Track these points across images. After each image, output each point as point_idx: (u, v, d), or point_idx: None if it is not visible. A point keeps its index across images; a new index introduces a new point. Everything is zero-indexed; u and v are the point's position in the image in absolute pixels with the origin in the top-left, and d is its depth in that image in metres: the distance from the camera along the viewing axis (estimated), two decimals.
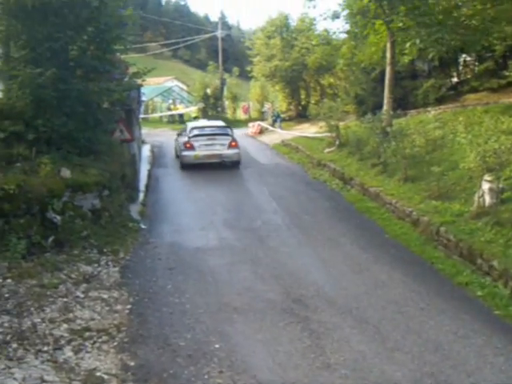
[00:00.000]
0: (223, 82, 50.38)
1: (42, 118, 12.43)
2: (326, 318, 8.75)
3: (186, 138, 23.00)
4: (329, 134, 25.21)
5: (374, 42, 22.45)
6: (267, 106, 47.47)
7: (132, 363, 7.19)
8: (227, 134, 23.36)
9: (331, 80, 41.95)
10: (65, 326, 7.97)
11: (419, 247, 12.34)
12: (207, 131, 23.56)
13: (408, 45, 19.29)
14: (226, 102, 51.20)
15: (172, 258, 11.75)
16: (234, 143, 23.00)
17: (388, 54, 20.94)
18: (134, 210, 15.21)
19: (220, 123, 26.21)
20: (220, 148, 22.59)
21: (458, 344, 7.84)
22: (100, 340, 7.71)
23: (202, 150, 22.40)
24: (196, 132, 23.13)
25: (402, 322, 8.58)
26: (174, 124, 48.74)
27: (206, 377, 6.93)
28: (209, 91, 47.44)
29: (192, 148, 22.47)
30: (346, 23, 25.17)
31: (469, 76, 28.12)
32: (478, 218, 12.04)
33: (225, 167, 22.92)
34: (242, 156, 23.70)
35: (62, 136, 12.76)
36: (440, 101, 25.93)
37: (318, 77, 42.45)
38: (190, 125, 25.20)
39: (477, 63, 27.65)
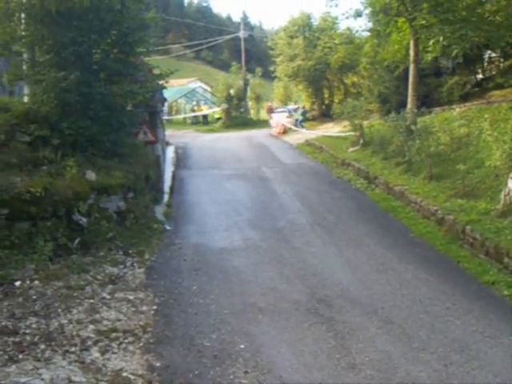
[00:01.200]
0: (246, 83, 50.45)
1: (66, 122, 12.57)
2: (351, 318, 8.73)
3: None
4: (353, 133, 25.11)
5: (396, 39, 22.29)
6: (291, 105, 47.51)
7: (158, 364, 7.24)
8: (285, 112, 41.98)
9: (354, 79, 41.73)
10: (91, 327, 8.04)
11: (444, 246, 12.24)
12: (278, 110, 43.92)
13: (431, 42, 19.10)
14: (250, 103, 51.24)
15: (197, 259, 11.81)
16: (288, 116, 40.77)
17: (411, 52, 20.79)
18: (159, 211, 15.31)
19: (284, 108, 44.91)
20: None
21: (484, 344, 7.77)
22: (126, 341, 7.77)
23: (276, 118, 41.16)
24: (273, 111, 44.53)
25: (428, 321, 8.52)
26: (197, 125, 48.93)
27: (231, 377, 6.96)
28: (232, 92, 47.49)
29: (272, 118, 42.65)
30: (369, 21, 25.09)
31: (494, 72, 27.71)
32: (504, 217, 11.91)
33: (249, 167, 23.05)
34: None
35: (86, 139, 12.90)
36: (465, 98, 25.60)
37: (341, 76, 42.28)
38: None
39: (502, 59, 27.28)
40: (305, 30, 43.25)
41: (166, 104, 37.10)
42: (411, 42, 20.70)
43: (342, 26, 47.04)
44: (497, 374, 6.97)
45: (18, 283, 9.06)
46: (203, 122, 50.23)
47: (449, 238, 12.56)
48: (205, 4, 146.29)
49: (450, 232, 12.72)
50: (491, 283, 9.99)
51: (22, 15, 13.30)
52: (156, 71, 16.64)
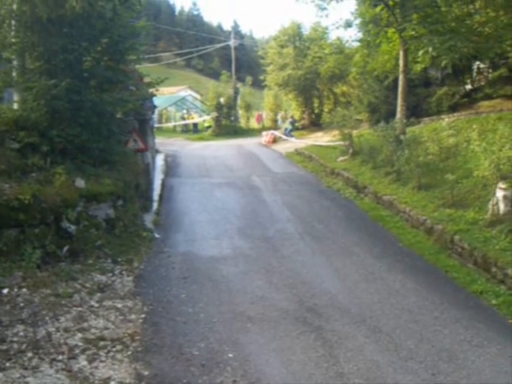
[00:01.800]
0: (236, 91, 50.54)
1: (56, 129, 12.53)
2: (340, 327, 8.74)
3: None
4: (342, 143, 25.19)
5: (386, 50, 22.45)
6: (281, 114, 47.71)
7: (146, 372, 7.21)
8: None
9: (344, 88, 41.93)
10: (79, 335, 8.01)
11: (433, 256, 12.30)
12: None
13: (421, 53, 19.22)
14: (240, 111, 51.30)
15: (186, 267, 11.78)
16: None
17: (401, 62, 20.93)
18: (148, 219, 15.25)
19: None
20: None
21: (472, 353, 7.80)
22: (114, 349, 7.74)
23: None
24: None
25: (416, 330, 8.55)
26: (187, 133, 48.93)
27: None
28: (222, 100, 47.53)
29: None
30: (359, 32, 25.28)
31: (482, 83, 27.94)
32: (492, 226, 11.99)
33: (239, 176, 23.07)
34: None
35: (76, 146, 12.85)
36: (454, 108, 25.81)
37: (331, 85, 42.44)
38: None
39: (490, 70, 27.52)
40: (295, 39, 43.44)
41: (157, 112, 37.12)
42: (401, 53, 20.85)
43: (332, 35, 47.43)
44: (485, 383, 7.00)
45: (5, 290, 9.01)
46: (193, 130, 50.28)
47: (437, 248, 12.63)
48: (196, 12, 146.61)
49: (438, 241, 12.79)
50: (479, 292, 10.06)
51: (13, 22, 13.25)
52: (146, 79, 16.64)
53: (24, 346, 7.31)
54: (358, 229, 14.89)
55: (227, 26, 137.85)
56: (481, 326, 8.74)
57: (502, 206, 12.15)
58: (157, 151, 28.32)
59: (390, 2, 20.40)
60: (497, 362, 7.55)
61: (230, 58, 58.19)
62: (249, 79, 51.79)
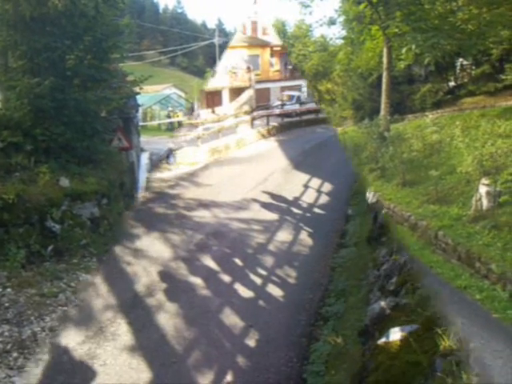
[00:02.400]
0: None
1: (40, 128, 12.47)
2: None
3: None
4: None
5: (370, 47, 22.50)
6: None
7: None
8: None
9: (329, 86, 41.92)
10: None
11: (418, 251, 12.32)
12: None
13: (404, 50, 19.29)
14: None
15: None
16: None
17: (384, 60, 20.97)
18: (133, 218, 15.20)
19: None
20: None
21: None
22: None
23: None
24: None
25: None
26: (172, 131, 48.71)
27: None
28: None
29: None
30: (343, 29, 25.30)
31: (466, 80, 28.03)
32: (475, 222, 12.04)
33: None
34: None
35: (60, 145, 12.79)
36: (437, 105, 25.85)
37: (316, 82, 42.42)
38: None
39: (473, 67, 27.62)
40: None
41: (141, 110, 36.90)
42: (384, 50, 20.89)
43: (316, 33, 47.45)
44: None
45: None
46: (178, 128, 50.06)
47: (422, 244, 12.65)
48: (180, 10, 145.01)
49: (422, 237, 12.82)
50: (463, 287, 10.08)
51: None
52: (130, 77, 16.58)
53: (9, 346, 7.29)
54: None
55: (211, 24, 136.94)
56: (465, 321, 8.79)
57: (485, 202, 12.21)
58: (142, 150, 28.17)
59: (374, 0, 20.46)
60: (481, 357, 7.60)
61: (214, 56, 57.94)
62: None
